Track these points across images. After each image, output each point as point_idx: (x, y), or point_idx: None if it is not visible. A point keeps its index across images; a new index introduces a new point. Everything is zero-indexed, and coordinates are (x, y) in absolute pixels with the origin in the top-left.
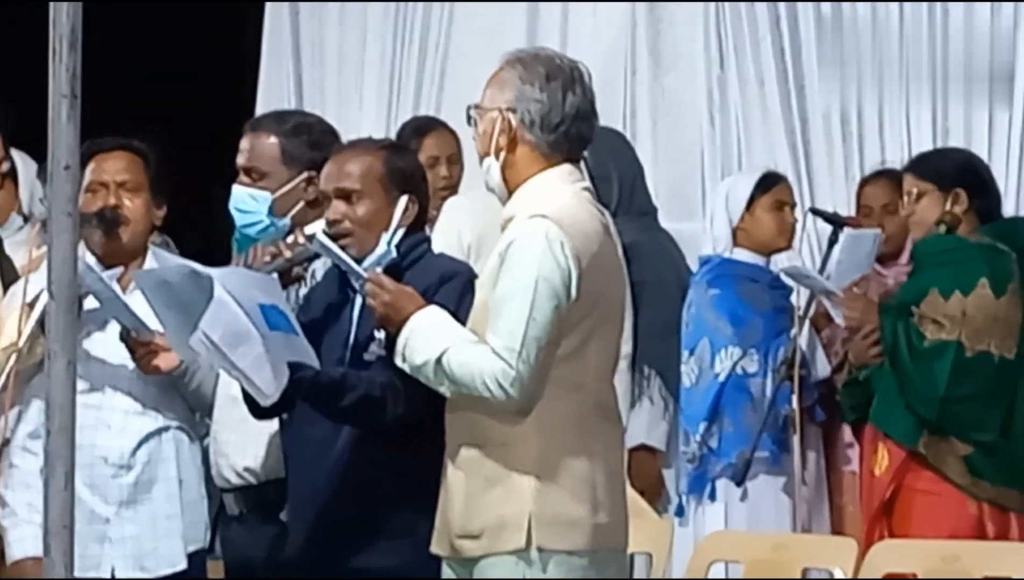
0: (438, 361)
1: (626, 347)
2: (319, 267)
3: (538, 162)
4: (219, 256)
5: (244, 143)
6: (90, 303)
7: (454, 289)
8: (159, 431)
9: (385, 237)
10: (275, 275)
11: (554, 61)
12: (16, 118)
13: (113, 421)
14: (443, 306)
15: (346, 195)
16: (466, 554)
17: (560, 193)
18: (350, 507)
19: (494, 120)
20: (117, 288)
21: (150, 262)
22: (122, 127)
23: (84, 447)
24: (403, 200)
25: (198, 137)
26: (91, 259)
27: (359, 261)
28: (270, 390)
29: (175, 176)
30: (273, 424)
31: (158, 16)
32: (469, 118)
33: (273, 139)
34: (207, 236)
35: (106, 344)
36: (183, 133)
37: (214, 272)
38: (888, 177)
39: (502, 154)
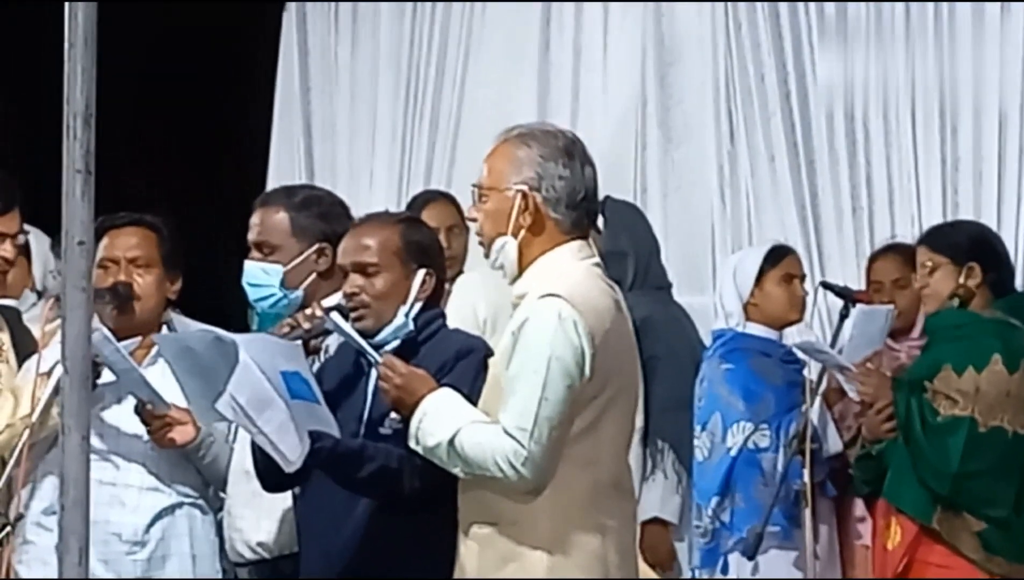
0: (451, 442)
1: (638, 421)
2: (333, 341)
3: (556, 239)
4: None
5: (254, 218)
6: (106, 376)
7: (471, 365)
8: (173, 507)
9: (403, 310)
10: (299, 343)
11: (565, 136)
12: (29, 191)
13: (127, 498)
14: (459, 383)
15: (363, 269)
16: None
17: (572, 270)
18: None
19: (510, 199)
20: (133, 361)
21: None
22: (135, 204)
23: (98, 523)
24: (420, 273)
25: (210, 213)
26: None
27: (376, 333)
28: (294, 456)
29: (188, 251)
30: (287, 498)
31: (172, 93)
32: (476, 197)
33: (283, 213)
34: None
35: (120, 417)
36: (195, 209)
37: (238, 338)
38: (898, 251)
39: (522, 233)
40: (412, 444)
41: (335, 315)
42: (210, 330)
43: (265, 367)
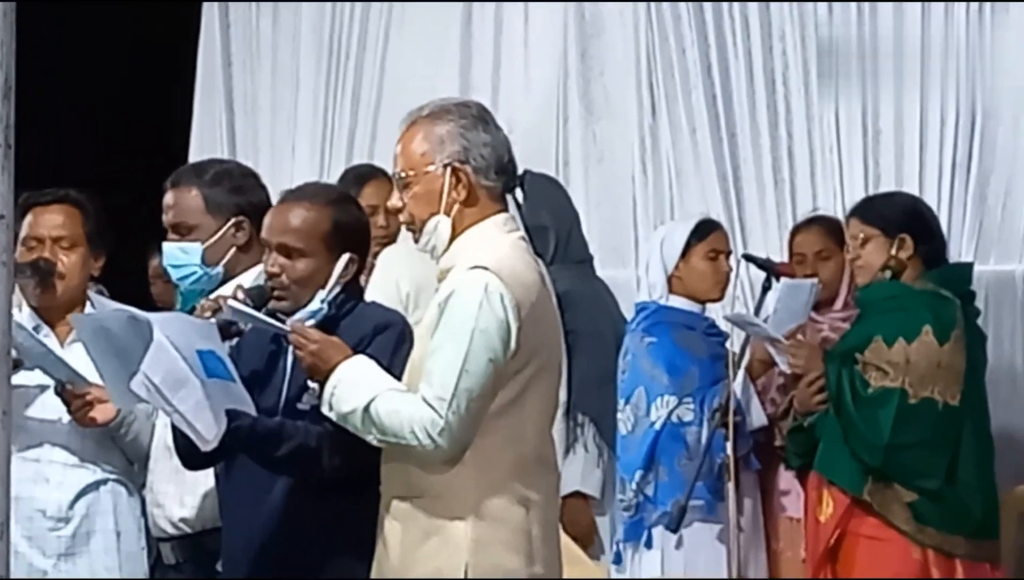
0: (366, 409)
1: (560, 395)
2: None
3: (487, 209)
4: (155, 308)
5: (168, 200)
6: (25, 378)
7: (388, 339)
8: (97, 484)
9: (320, 295)
10: (213, 322)
11: (475, 104)
12: None
13: (51, 474)
14: (376, 357)
15: (287, 251)
16: None
17: (498, 243)
18: (285, 557)
19: (440, 176)
20: (53, 342)
21: (89, 311)
22: (56, 180)
23: (22, 500)
24: (343, 259)
25: (130, 190)
26: (24, 317)
27: (291, 314)
28: (210, 435)
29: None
30: (209, 474)
31: (93, 68)
32: (400, 184)
33: (195, 191)
34: (143, 288)
35: (42, 402)
36: (115, 186)
37: (153, 317)
38: (820, 224)
39: (455, 209)
40: (325, 410)
41: (233, 302)
42: (125, 309)
43: (180, 346)
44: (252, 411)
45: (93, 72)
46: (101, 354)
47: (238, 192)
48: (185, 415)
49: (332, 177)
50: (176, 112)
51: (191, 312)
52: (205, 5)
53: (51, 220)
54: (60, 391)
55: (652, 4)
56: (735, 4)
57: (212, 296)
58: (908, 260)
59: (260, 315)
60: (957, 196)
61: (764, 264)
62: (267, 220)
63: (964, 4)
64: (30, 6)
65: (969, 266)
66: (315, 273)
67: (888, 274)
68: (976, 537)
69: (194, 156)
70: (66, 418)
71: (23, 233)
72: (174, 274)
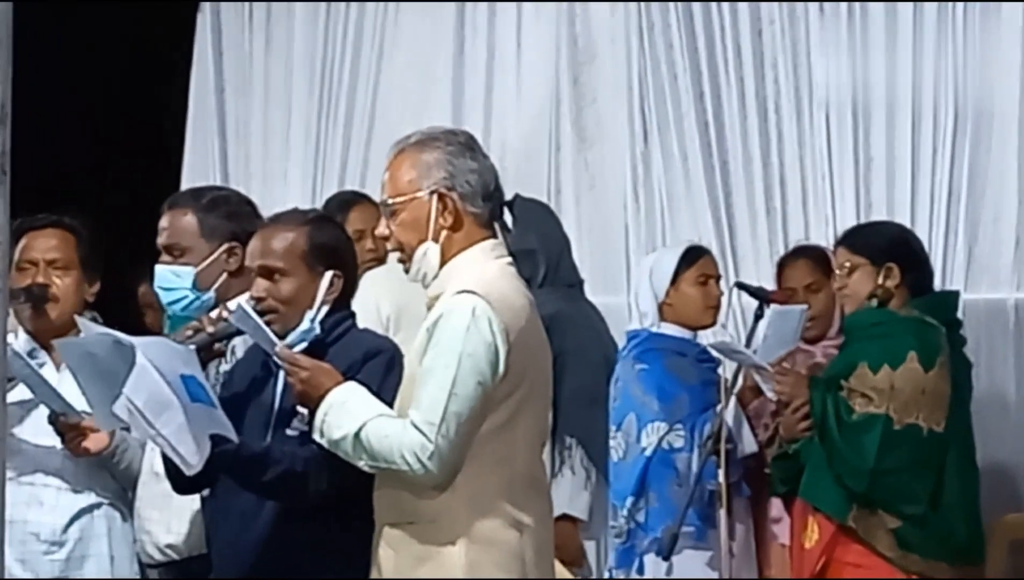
0: (356, 435)
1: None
2: (239, 344)
3: (475, 236)
4: (149, 333)
5: (163, 222)
6: (19, 394)
7: (378, 366)
8: (91, 508)
9: (309, 314)
10: (193, 348)
11: (461, 132)
12: None
13: (45, 498)
14: (367, 383)
15: (269, 273)
16: None
17: (487, 268)
18: None
19: (427, 203)
20: (49, 371)
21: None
22: (48, 205)
23: (16, 523)
24: (327, 276)
25: (123, 215)
26: (20, 345)
27: (283, 337)
28: (194, 460)
29: (105, 253)
30: (196, 500)
31: (86, 93)
32: (387, 212)
33: (191, 215)
34: (136, 313)
35: (36, 426)
36: (108, 212)
37: (136, 341)
38: (807, 255)
39: (443, 234)
40: (316, 437)
41: (245, 304)
42: (109, 333)
43: (164, 370)
44: (233, 437)
45: (85, 96)
46: (87, 378)
47: (233, 218)
48: (168, 439)
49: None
50: (169, 138)
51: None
52: (199, 30)
53: (45, 244)
54: (53, 421)
55: (645, 31)
56: (727, 32)
57: (195, 320)
58: (895, 289)
59: (261, 323)
60: (949, 224)
61: (756, 292)
62: (249, 248)
63: (952, 36)
64: (22, 32)
65: (955, 294)
66: (299, 292)
67: (875, 302)
68: (960, 563)
69: (186, 182)
70: (60, 445)
71: (17, 257)
72: (164, 297)
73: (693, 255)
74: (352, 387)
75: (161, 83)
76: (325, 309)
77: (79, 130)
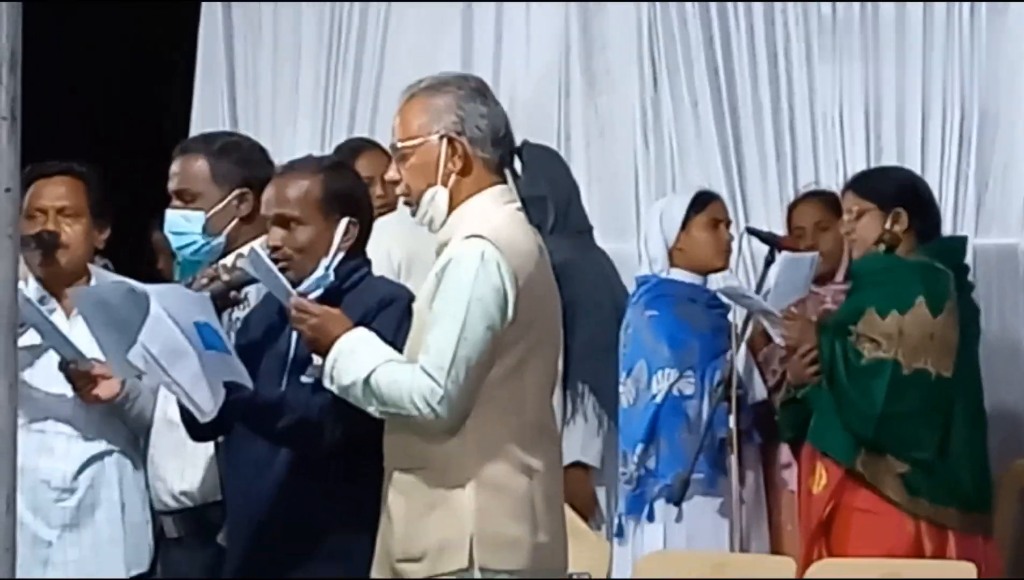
0: (366, 381)
1: (558, 365)
2: (253, 292)
3: (483, 181)
4: (159, 281)
5: (174, 167)
6: (29, 338)
7: (393, 314)
8: (102, 455)
9: (324, 262)
10: (208, 295)
11: (473, 78)
12: None
13: (56, 445)
14: (381, 331)
15: (285, 221)
16: (408, 577)
17: (496, 214)
18: (286, 528)
19: (436, 147)
20: (59, 318)
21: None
22: (58, 152)
23: (27, 471)
24: (343, 224)
25: (133, 162)
26: (30, 292)
27: (297, 285)
28: (208, 407)
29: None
30: (210, 447)
31: (96, 41)
32: (397, 156)
33: (202, 160)
34: (146, 261)
35: (47, 374)
36: (118, 158)
37: (150, 289)
38: (818, 197)
39: (452, 179)
40: (327, 384)
41: (260, 250)
42: (124, 281)
43: (179, 318)
44: (249, 384)
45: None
46: (101, 326)
47: (245, 164)
48: (183, 386)
49: None
50: (178, 87)
51: (190, 284)
52: None
53: (54, 191)
54: (64, 368)
55: None
56: None
57: (211, 267)
58: (903, 234)
59: (276, 270)
60: (960, 170)
61: (767, 237)
62: (265, 196)
63: None
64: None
65: (963, 239)
66: (315, 240)
67: (882, 248)
68: (968, 509)
69: (195, 130)
70: (71, 393)
71: (26, 205)
72: (174, 242)
73: (703, 200)
74: (362, 333)
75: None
76: (340, 256)
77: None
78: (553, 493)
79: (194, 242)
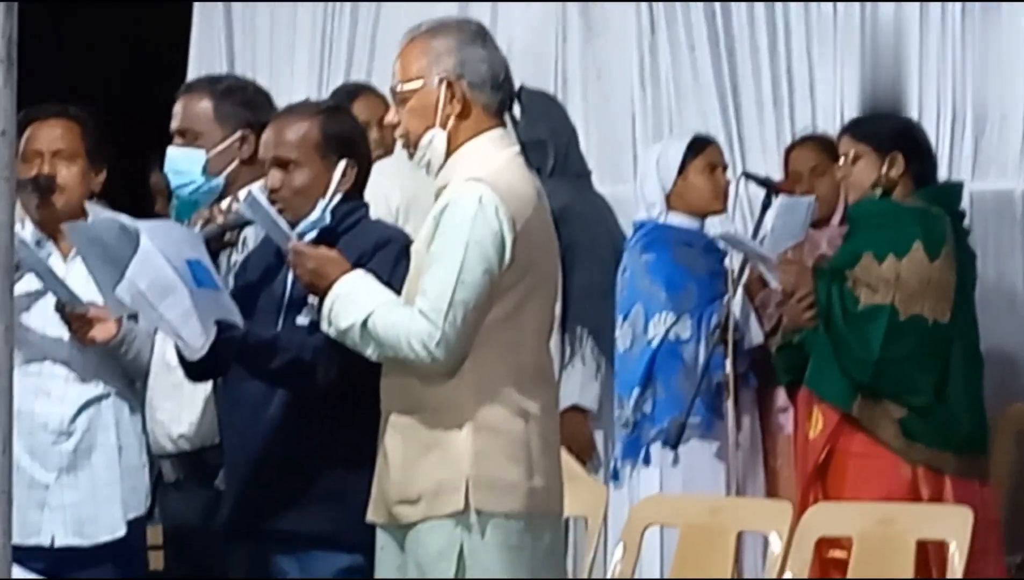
0: (363, 324)
1: (556, 310)
2: (251, 234)
3: (483, 124)
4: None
5: (177, 107)
6: (26, 284)
7: (388, 256)
8: (99, 398)
9: (321, 203)
10: (199, 232)
11: (473, 22)
12: None
13: (53, 388)
14: (376, 273)
15: (283, 164)
16: (403, 520)
17: (494, 157)
18: (281, 470)
19: (435, 90)
20: (56, 261)
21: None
22: (54, 94)
23: (23, 414)
24: (340, 166)
25: (129, 104)
26: (27, 232)
27: (294, 226)
28: (197, 344)
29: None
30: (208, 390)
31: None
32: (396, 99)
33: (206, 100)
34: (142, 202)
35: (43, 317)
36: (114, 101)
37: (141, 225)
38: (814, 141)
39: (450, 122)
40: (324, 327)
41: (258, 193)
42: (116, 218)
43: (170, 254)
44: (240, 322)
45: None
46: (95, 262)
47: (248, 107)
48: (171, 322)
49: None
50: (176, 31)
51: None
52: None
53: (50, 134)
54: (60, 310)
55: None
56: None
57: (206, 209)
58: (899, 178)
59: (273, 212)
60: (956, 115)
61: (764, 182)
62: (263, 139)
63: None
64: None
65: (959, 185)
66: (313, 182)
67: (878, 192)
68: (965, 453)
69: (192, 73)
70: (67, 335)
71: (22, 148)
72: (174, 180)
73: (699, 144)
74: (359, 276)
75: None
76: (337, 198)
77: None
78: (550, 436)
79: (193, 181)
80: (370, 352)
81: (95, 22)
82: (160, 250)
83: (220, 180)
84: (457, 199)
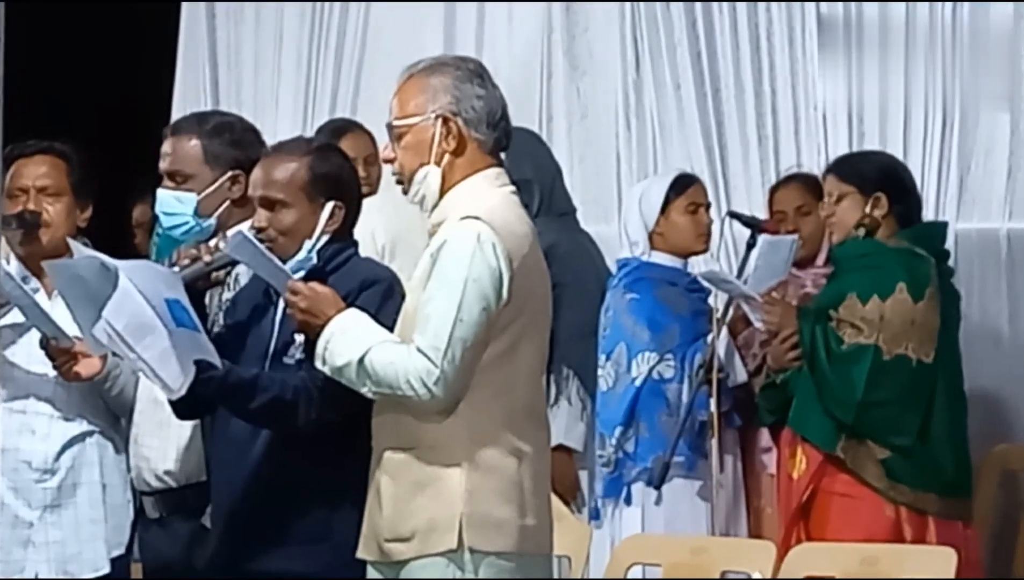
0: (360, 362)
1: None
2: (243, 273)
3: (478, 163)
4: (135, 257)
5: (166, 147)
6: (11, 318)
7: (375, 295)
8: (83, 436)
9: (308, 244)
10: (178, 272)
11: (472, 61)
12: None
13: (37, 426)
14: (363, 311)
15: (270, 204)
16: (396, 557)
17: (490, 196)
18: (265, 509)
19: (431, 127)
20: (42, 297)
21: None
22: (39, 131)
23: (8, 451)
24: (328, 207)
25: (114, 141)
26: (12, 267)
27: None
28: (176, 384)
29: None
30: (194, 427)
31: (76, 20)
32: (392, 135)
33: (195, 141)
34: (124, 238)
35: (28, 353)
36: (99, 137)
37: (121, 264)
38: (799, 181)
39: (445, 159)
40: (319, 365)
41: (247, 232)
42: (96, 256)
43: (149, 294)
44: (218, 363)
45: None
46: (75, 300)
47: (237, 145)
48: (149, 362)
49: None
50: (160, 65)
51: (173, 263)
52: None
53: (35, 170)
54: (45, 345)
55: None
56: None
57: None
58: (883, 218)
59: (265, 251)
60: (942, 155)
61: (749, 221)
62: (252, 178)
63: None
64: None
65: (943, 225)
66: (299, 223)
67: (862, 232)
68: (948, 495)
69: (177, 109)
70: (52, 372)
71: (8, 184)
72: (165, 222)
73: (683, 183)
74: (354, 314)
75: (152, 9)
76: (324, 239)
77: (70, 57)
78: (541, 476)
79: (185, 223)
80: (367, 390)
81: (79, 54)
82: (140, 289)
83: (212, 221)
84: (455, 236)
